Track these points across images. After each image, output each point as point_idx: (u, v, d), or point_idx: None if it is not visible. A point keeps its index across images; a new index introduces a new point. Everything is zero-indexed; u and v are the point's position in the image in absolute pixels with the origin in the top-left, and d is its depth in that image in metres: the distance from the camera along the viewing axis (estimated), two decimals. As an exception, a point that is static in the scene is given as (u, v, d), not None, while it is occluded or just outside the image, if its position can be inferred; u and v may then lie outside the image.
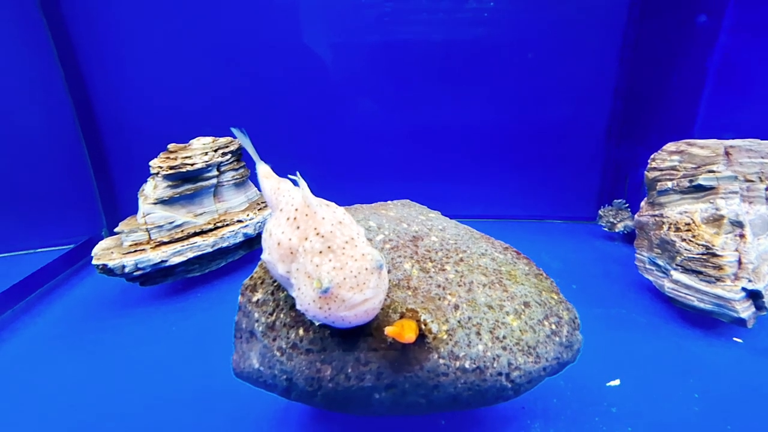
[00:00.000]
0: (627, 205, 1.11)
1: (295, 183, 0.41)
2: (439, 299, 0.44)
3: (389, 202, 0.65)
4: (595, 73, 1.10)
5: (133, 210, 0.92)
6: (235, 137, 0.93)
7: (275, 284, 0.47)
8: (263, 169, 0.49)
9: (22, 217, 1.12)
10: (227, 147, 0.90)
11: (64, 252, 1.03)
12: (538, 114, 1.15)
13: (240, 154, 0.95)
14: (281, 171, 0.49)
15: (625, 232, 1.08)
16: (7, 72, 1.02)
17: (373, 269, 0.35)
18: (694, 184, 0.71)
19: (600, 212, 1.13)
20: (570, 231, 1.18)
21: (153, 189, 0.83)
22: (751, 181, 0.69)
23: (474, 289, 0.46)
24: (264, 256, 0.41)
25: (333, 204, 0.41)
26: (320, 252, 0.35)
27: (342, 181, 1.21)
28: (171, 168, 0.81)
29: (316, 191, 0.38)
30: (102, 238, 1.13)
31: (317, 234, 0.35)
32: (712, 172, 0.70)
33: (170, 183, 0.83)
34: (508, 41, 1.09)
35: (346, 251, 0.35)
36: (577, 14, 1.05)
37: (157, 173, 0.81)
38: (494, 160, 1.21)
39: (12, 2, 0.98)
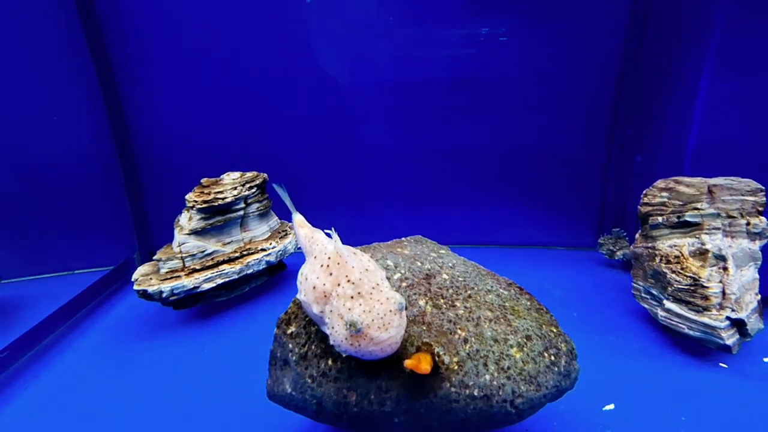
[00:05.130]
0: (625, 234, 1.16)
1: (329, 236, 0.48)
2: (450, 333, 0.50)
3: (404, 239, 0.72)
4: (593, 103, 1.15)
5: (162, 237, 1.00)
6: (267, 179, 1.02)
7: (307, 319, 0.54)
8: (298, 219, 0.57)
9: (64, 240, 1.21)
10: (253, 181, 0.99)
11: (102, 274, 1.11)
12: (541, 145, 1.21)
13: (264, 187, 1.04)
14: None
15: (624, 259, 1.13)
16: (56, 103, 1.10)
17: (396, 311, 0.42)
18: (681, 220, 0.78)
19: (600, 240, 1.19)
20: (572, 258, 1.23)
21: (188, 221, 0.91)
22: (733, 217, 0.76)
23: (481, 324, 0.52)
24: (300, 297, 0.48)
25: (359, 252, 0.48)
26: (351, 297, 0.42)
27: (355, 208, 1.28)
28: (205, 202, 0.89)
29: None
30: (134, 262, 1.22)
31: (348, 281, 0.42)
32: (697, 209, 0.76)
33: (203, 215, 0.91)
34: (511, 75, 1.15)
35: (374, 296, 0.42)
36: (576, 45, 1.11)
37: (192, 206, 0.90)
38: (498, 189, 1.27)
39: (61, 34, 1.05)
